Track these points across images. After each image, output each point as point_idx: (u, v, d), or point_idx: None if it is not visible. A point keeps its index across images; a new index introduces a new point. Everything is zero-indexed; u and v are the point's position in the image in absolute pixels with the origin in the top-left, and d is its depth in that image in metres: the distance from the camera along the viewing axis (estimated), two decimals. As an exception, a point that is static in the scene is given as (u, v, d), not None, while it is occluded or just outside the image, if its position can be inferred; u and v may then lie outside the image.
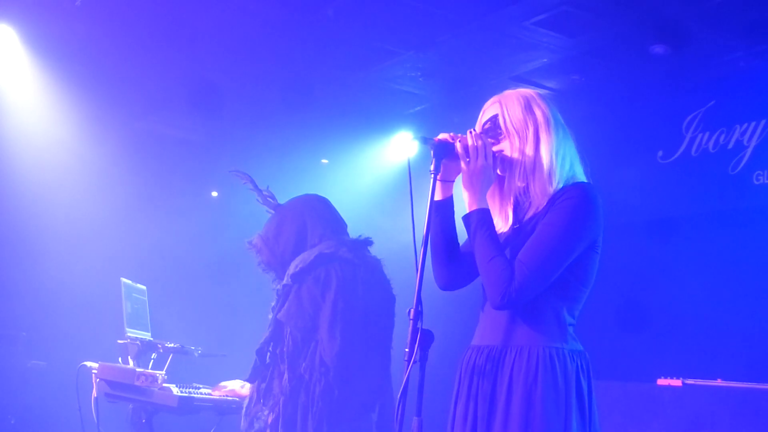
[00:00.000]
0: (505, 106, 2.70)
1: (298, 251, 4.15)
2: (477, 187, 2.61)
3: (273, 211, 4.36)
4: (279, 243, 4.21)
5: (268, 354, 4.02)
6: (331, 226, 4.23)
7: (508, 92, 2.77)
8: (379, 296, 4.18)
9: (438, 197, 2.69)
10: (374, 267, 4.20)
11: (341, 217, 4.35)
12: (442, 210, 2.72)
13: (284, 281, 4.06)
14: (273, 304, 4.11)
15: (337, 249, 4.09)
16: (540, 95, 2.76)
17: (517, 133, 2.66)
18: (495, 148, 2.69)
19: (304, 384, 3.90)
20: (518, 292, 2.51)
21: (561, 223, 2.55)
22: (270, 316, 4.10)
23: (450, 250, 2.75)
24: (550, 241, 2.53)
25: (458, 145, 2.62)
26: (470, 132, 2.65)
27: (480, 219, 2.60)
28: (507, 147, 2.68)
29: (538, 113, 2.68)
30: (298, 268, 4.02)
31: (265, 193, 4.42)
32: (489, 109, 2.75)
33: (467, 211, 2.64)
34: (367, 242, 4.24)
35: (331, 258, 4.05)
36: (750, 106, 5.98)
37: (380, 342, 4.15)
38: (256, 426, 3.97)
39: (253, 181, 4.46)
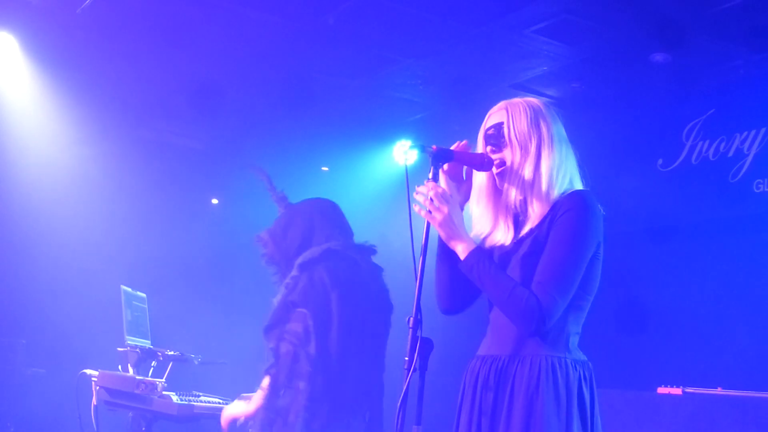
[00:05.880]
0: (512, 116, 2.68)
1: (302, 249, 4.15)
2: (455, 231, 2.60)
3: (284, 210, 4.38)
4: (286, 238, 4.22)
5: (282, 343, 3.93)
6: (338, 230, 4.25)
7: (516, 100, 2.74)
8: (376, 303, 4.20)
9: None
10: (375, 274, 4.21)
11: (348, 224, 4.36)
12: None
13: (292, 273, 4.04)
14: (277, 297, 4.09)
15: (345, 249, 4.12)
16: (547, 106, 2.74)
17: (520, 145, 2.65)
18: (495, 156, 2.68)
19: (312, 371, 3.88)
20: (549, 316, 2.51)
21: (569, 238, 2.55)
22: (274, 306, 4.05)
23: (452, 270, 2.70)
24: (564, 258, 2.54)
25: (420, 212, 2.59)
26: (426, 183, 2.61)
27: (478, 259, 2.59)
28: (508, 157, 2.66)
29: (544, 128, 2.66)
30: (306, 259, 4.03)
31: (279, 193, 4.45)
32: (495, 115, 2.73)
33: (462, 258, 2.61)
34: (372, 250, 4.26)
35: (340, 255, 4.07)
36: (750, 114, 5.98)
37: (374, 348, 4.15)
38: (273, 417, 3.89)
39: (269, 179, 4.48)
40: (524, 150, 2.64)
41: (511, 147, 2.66)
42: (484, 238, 2.74)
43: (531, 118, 2.67)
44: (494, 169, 2.69)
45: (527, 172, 2.63)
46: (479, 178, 2.74)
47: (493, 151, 2.68)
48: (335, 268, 4.01)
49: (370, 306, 4.12)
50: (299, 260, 4.06)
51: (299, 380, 3.86)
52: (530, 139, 2.65)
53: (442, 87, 6.61)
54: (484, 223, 2.73)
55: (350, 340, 3.97)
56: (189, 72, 6.41)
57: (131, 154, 7.25)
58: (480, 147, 2.73)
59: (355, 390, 3.99)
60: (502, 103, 2.75)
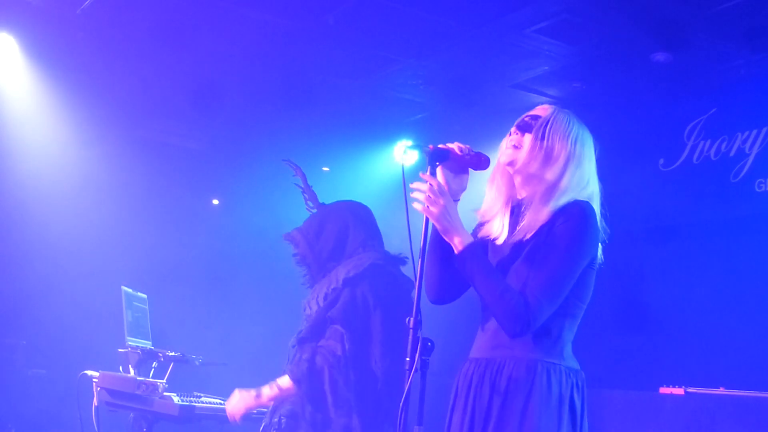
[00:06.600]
0: (555, 117, 2.69)
1: (335, 252, 4.13)
2: (452, 224, 2.60)
3: (315, 210, 4.35)
4: (319, 240, 4.18)
5: (318, 357, 3.88)
6: (372, 237, 4.21)
7: (568, 112, 2.75)
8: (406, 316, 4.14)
9: None
10: (408, 289, 4.15)
11: (380, 231, 4.31)
12: None
13: (333, 285, 4.00)
14: (309, 301, 4.06)
15: (386, 263, 4.08)
16: (591, 138, 2.75)
17: (547, 148, 2.65)
18: (514, 138, 2.69)
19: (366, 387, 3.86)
20: (535, 320, 2.52)
21: (564, 246, 2.56)
22: (307, 312, 4.03)
23: (443, 261, 2.73)
24: (556, 265, 2.55)
25: (418, 207, 2.59)
26: (422, 175, 2.63)
27: (472, 255, 2.59)
28: (527, 148, 2.66)
29: (578, 148, 2.68)
30: (351, 274, 3.98)
31: (311, 191, 4.41)
32: (540, 109, 2.75)
33: (456, 251, 2.61)
34: (403, 261, 4.20)
35: (384, 271, 4.04)
36: (752, 114, 5.97)
37: (403, 361, 4.10)
38: None
39: (303, 176, 4.44)
40: (548, 155, 2.65)
41: (534, 139, 2.66)
42: (480, 225, 2.77)
43: (570, 131, 2.68)
44: (508, 156, 2.69)
45: (546, 181, 2.64)
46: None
47: (515, 132, 2.70)
48: (378, 286, 3.98)
49: (401, 321, 4.07)
50: (343, 274, 4.00)
51: (342, 409, 3.82)
52: (560, 149, 2.65)
53: (442, 87, 6.59)
54: (490, 206, 2.75)
55: (392, 359, 3.93)
56: (189, 72, 6.41)
57: (131, 155, 7.24)
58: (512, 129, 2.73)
59: (390, 403, 3.96)
60: (554, 106, 2.76)
